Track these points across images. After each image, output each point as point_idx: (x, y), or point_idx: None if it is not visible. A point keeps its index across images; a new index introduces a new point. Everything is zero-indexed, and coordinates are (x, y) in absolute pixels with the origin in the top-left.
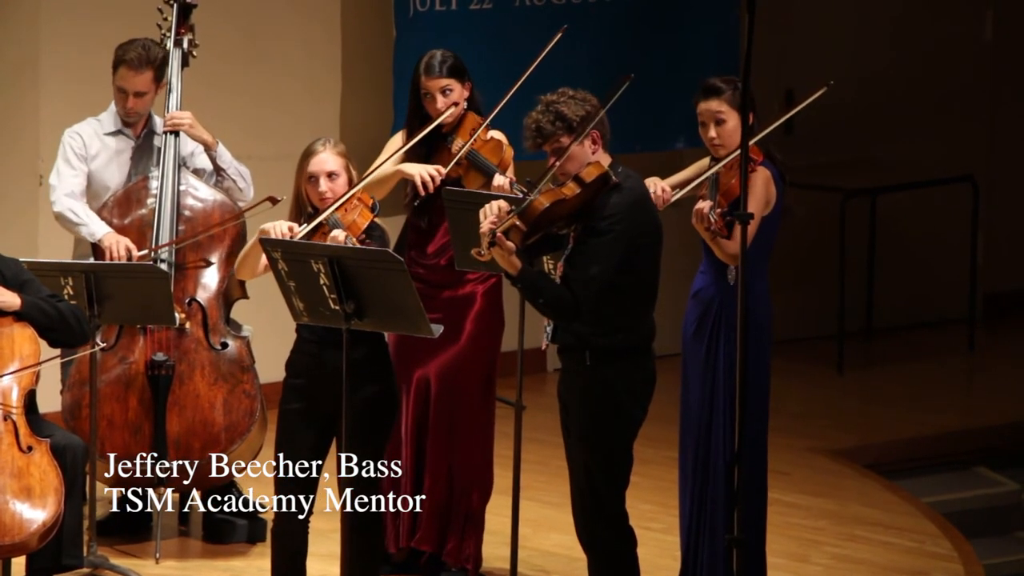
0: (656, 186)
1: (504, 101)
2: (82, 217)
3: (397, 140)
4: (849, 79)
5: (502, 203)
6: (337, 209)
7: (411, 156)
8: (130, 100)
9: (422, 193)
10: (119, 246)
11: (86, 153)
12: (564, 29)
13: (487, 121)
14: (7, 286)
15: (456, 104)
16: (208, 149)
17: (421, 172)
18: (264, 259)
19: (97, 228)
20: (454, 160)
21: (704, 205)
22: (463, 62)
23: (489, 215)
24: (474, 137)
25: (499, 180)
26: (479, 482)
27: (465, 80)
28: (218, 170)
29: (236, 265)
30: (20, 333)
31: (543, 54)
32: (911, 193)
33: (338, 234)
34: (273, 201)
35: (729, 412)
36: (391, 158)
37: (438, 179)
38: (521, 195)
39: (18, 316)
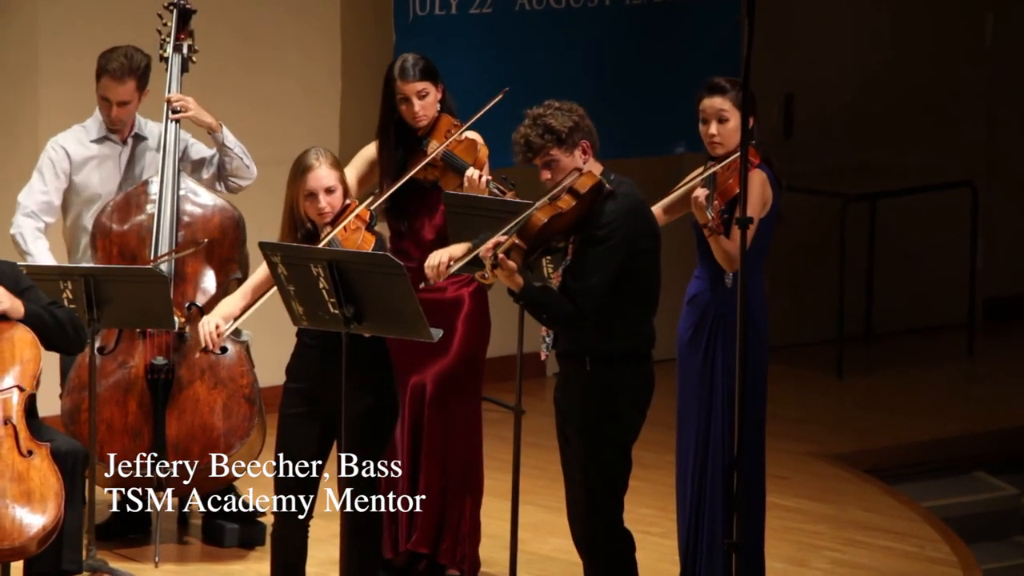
0: None
1: (474, 118)
2: (29, 245)
3: (371, 150)
4: (849, 84)
5: (442, 258)
6: (336, 226)
7: (385, 168)
8: (114, 110)
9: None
10: None
11: (69, 167)
12: (505, 91)
13: (463, 129)
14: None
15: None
16: (212, 132)
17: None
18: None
19: (41, 261)
20: (426, 160)
21: (700, 193)
22: (433, 63)
23: (430, 268)
24: (450, 140)
25: (472, 173)
26: (471, 483)
27: (438, 82)
28: (223, 151)
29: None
30: (21, 338)
31: (484, 110)
32: (911, 198)
33: None
34: (196, 244)
35: (727, 416)
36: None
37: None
38: (498, 192)
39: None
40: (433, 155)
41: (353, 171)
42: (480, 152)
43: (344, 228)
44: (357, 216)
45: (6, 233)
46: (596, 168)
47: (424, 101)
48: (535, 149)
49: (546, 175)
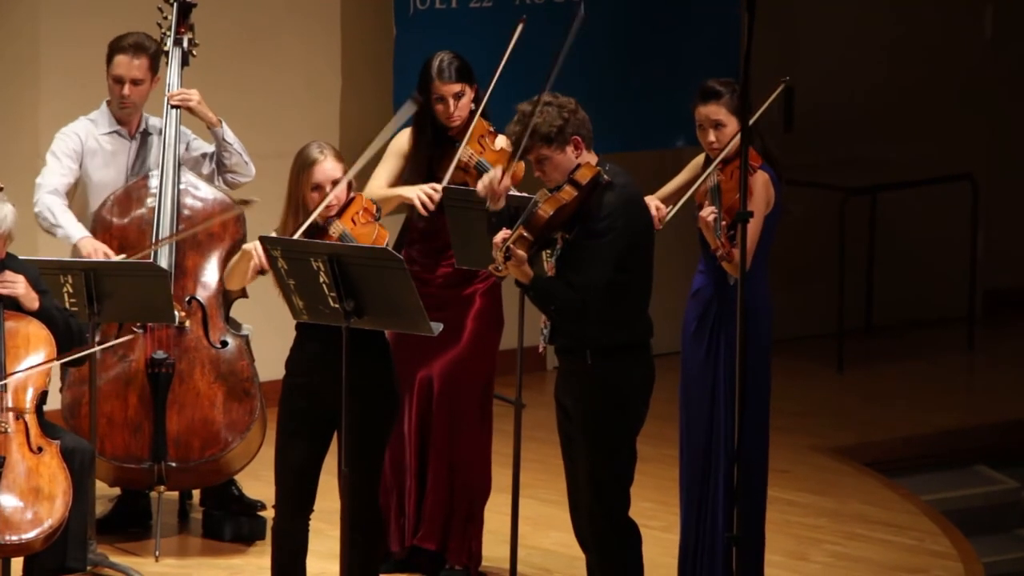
0: (650, 205)
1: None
2: (59, 218)
3: (403, 139)
4: (849, 77)
5: (496, 173)
6: (344, 220)
7: (417, 164)
8: (127, 87)
9: (423, 213)
10: (96, 253)
11: (82, 152)
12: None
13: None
14: None
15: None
16: (212, 127)
17: (419, 194)
18: (252, 268)
19: (73, 231)
20: (454, 165)
21: (707, 213)
22: (469, 63)
23: (486, 183)
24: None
25: (485, 177)
26: (479, 480)
27: (473, 82)
28: (222, 147)
29: (225, 275)
30: (35, 333)
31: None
32: (911, 191)
33: None
34: (246, 203)
35: (730, 410)
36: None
37: (436, 197)
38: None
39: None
40: (465, 159)
41: (392, 166)
42: (517, 167)
43: (353, 221)
44: (365, 210)
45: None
46: (592, 159)
47: (460, 102)
48: (526, 148)
49: (539, 172)
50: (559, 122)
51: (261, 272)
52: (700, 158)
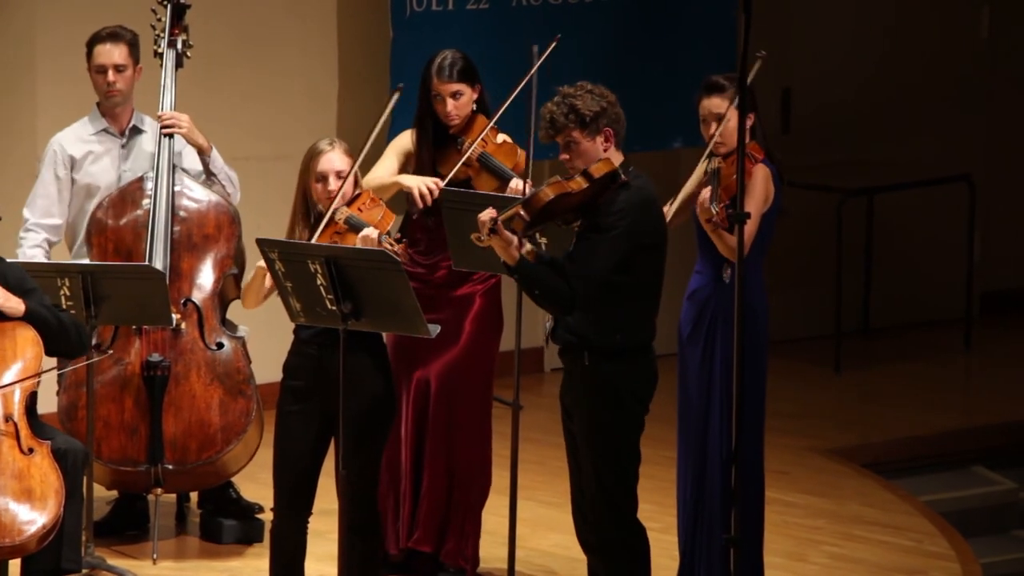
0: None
1: (507, 103)
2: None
3: (405, 138)
4: (846, 79)
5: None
6: (352, 209)
7: (421, 161)
8: (111, 74)
9: (419, 206)
10: None
11: (70, 166)
12: (558, 38)
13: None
14: (10, 292)
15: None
16: (202, 153)
17: (419, 185)
18: (268, 284)
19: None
20: (461, 161)
21: (705, 195)
22: (473, 63)
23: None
24: (481, 135)
25: (516, 183)
26: (477, 482)
27: (475, 83)
28: (209, 175)
29: (242, 295)
30: (23, 335)
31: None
32: (908, 193)
33: (371, 232)
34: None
35: (726, 411)
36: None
37: (436, 192)
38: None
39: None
40: (468, 154)
41: (392, 162)
42: (520, 156)
43: (360, 209)
44: (372, 200)
45: (2, 231)
46: (617, 158)
47: (457, 101)
48: (557, 127)
49: (564, 156)
50: (596, 108)
51: None
52: (700, 167)
